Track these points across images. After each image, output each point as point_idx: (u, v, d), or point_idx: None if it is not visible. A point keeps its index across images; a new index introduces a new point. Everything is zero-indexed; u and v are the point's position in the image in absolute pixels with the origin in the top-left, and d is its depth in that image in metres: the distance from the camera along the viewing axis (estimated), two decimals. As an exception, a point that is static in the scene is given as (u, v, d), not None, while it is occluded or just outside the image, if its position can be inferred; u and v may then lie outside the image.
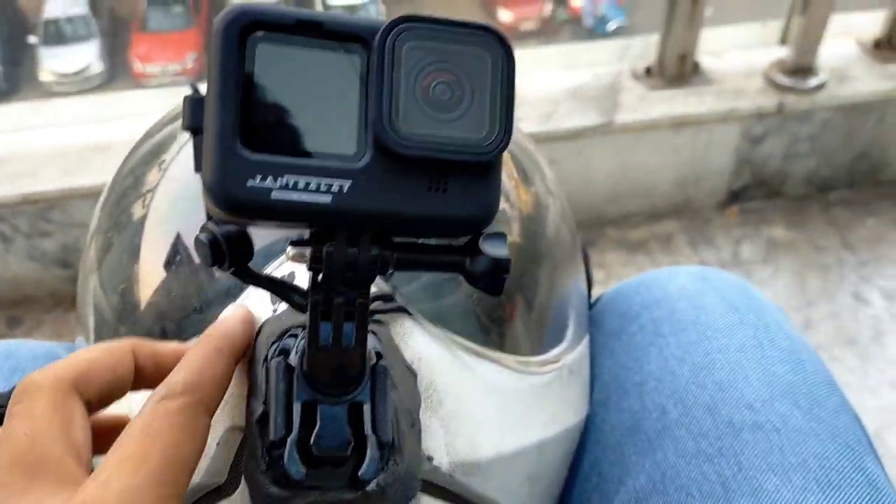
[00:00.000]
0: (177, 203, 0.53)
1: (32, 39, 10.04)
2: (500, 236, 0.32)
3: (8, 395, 0.50)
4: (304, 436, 0.33)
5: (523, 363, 0.50)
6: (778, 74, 1.96)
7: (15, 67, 9.94)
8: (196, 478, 0.37)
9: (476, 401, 0.44)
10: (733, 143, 2.00)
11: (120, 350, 0.35)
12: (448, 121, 0.28)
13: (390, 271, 0.31)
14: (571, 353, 0.57)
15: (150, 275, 0.51)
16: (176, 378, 0.32)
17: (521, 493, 0.48)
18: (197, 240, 0.32)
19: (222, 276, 0.46)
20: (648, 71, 1.97)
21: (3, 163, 1.79)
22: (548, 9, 10.49)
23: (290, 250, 0.31)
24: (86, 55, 9.98)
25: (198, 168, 0.28)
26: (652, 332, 0.60)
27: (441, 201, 0.29)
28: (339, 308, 0.32)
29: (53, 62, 9.85)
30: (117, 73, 9.99)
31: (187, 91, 0.29)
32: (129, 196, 0.56)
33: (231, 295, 0.44)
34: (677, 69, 1.94)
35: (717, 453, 0.49)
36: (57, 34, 10.06)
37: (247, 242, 0.32)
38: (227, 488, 0.38)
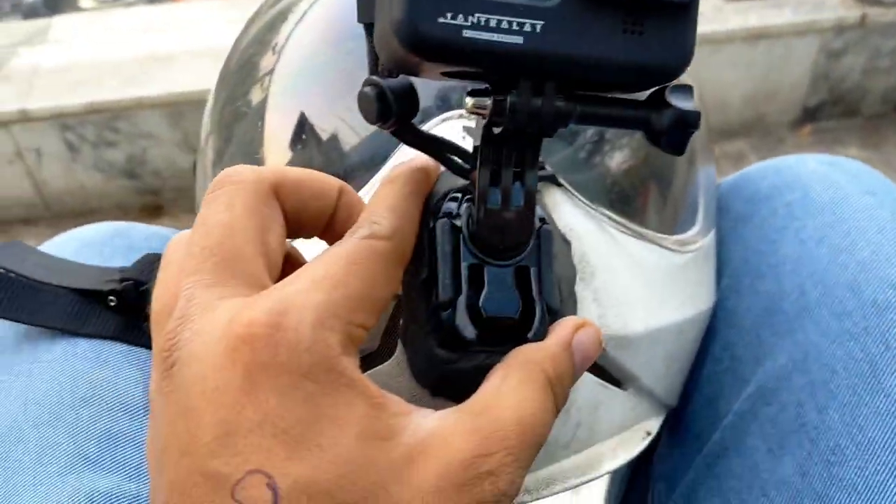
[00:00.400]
0: (297, 83, 0.51)
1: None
2: (687, 88, 0.30)
3: (136, 270, 0.50)
4: (472, 298, 0.32)
5: (666, 240, 0.49)
6: (862, -16, 1.87)
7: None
8: None
9: (625, 275, 0.43)
10: (810, 56, 1.93)
11: (328, 183, 0.33)
12: None
13: (568, 125, 0.29)
14: (706, 237, 0.56)
15: (278, 156, 0.49)
16: (383, 221, 0.30)
17: (658, 372, 0.47)
18: (362, 93, 0.30)
19: (365, 144, 0.45)
20: (725, -20, 1.90)
21: (64, 71, 1.79)
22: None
23: (469, 101, 0.29)
24: (126, -22, 10.00)
25: (362, 15, 0.27)
26: (785, 216, 0.58)
27: (636, 45, 0.27)
28: (508, 166, 0.31)
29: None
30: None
31: None
32: (245, 84, 0.54)
33: (364, 168, 0.43)
34: (756, -22, 1.87)
35: (862, 332, 0.48)
36: (96, -44, 10.07)
37: (413, 96, 0.30)
38: (379, 355, 0.37)
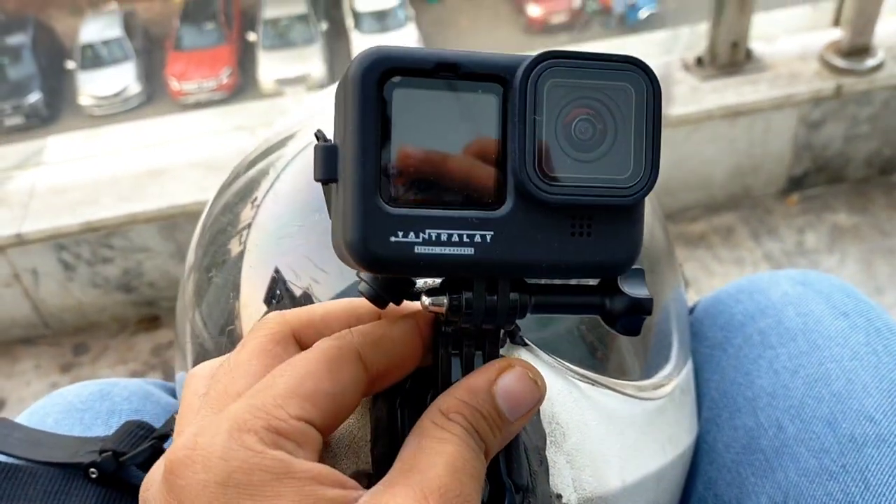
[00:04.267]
0: (273, 239, 0.52)
1: (70, 65, 10.28)
2: (639, 273, 0.31)
3: (115, 439, 0.50)
4: None
5: (637, 388, 0.48)
6: (834, 57, 1.91)
7: (55, 94, 10.17)
8: None
9: (598, 431, 0.42)
10: (791, 129, 1.96)
11: (355, 308, 0.34)
12: (591, 160, 0.27)
13: (525, 316, 0.30)
14: (682, 372, 0.55)
15: (251, 310, 0.50)
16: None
17: None
18: (360, 290, 0.31)
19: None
20: (699, 61, 1.93)
21: (59, 192, 1.82)
22: (577, 0, 10.46)
23: (426, 300, 0.30)
24: (123, 77, 10.18)
25: (318, 173, 0.27)
26: (759, 344, 0.58)
27: (585, 245, 0.28)
28: (469, 357, 0.31)
29: (92, 86, 10.06)
30: (155, 92, 10.16)
31: (312, 138, 0.28)
32: (226, 233, 0.55)
33: None
34: (729, 57, 1.90)
35: (841, 470, 0.47)
36: (94, 58, 10.27)
37: (406, 281, 0.31)
38: None
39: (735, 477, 0.52)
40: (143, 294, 1.89)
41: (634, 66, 0.27)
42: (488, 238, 0.27)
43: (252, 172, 0.59)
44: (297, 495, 0.26)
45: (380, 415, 0.35)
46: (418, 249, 0.26)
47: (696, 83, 1.91)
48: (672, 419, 0.51)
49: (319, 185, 0.29)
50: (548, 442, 0.39)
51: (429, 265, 0.27)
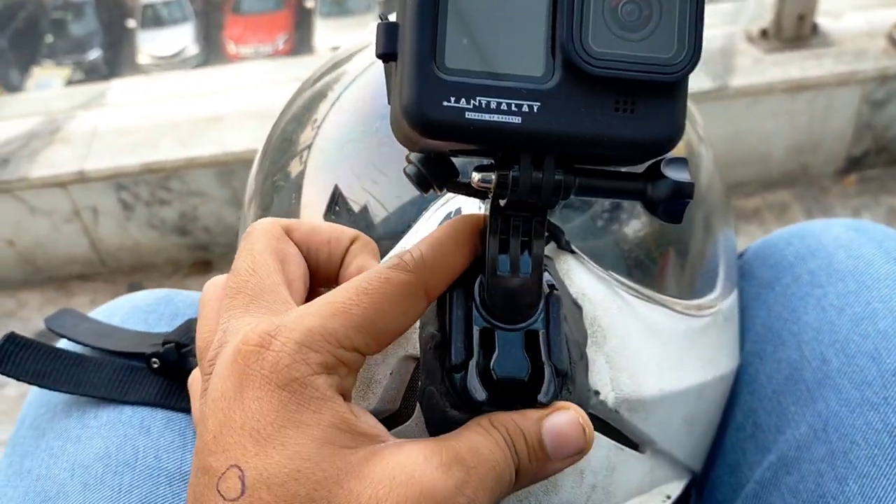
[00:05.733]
0: (332, 157, 0.54)
1: (131, 24, 10.45)
2: (682, 161, 0.31)
3: (177, 334, 0.52)
4: (483, 361, 0.34)
5: (683, 305, 0.49)
6: (903, 34, 1.86)
7: (114, 51, 10.35)
8: (369, 403, 0.38)
9: (638, 339, 0.43)
10: (853, 107, 1.92)
11: (339, 230, 0.37)
12: (636, 40, 0.28)
13: (569, 197, 0.31)
14: (725, 300, 0.56)
15: (313, 211, 0.52)
16: (410, 255, 0.33)
17: (677, 435, 0.48)
18: (405, 171, 0.33)
19: (381, 223, 0.48)
20: (764, 33, 1.90)
21: (120, 133, 1.86)
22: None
23: (475, 175, 0.31)
24: (182, 38, 10.33)
25: (389, 95, 0.29)
26: (808, 283, 0.58)
27: (628, 122, 0.28)
28: (516, 232, 0.32)
29: (151, 45, 10.22)
30: (211, 55, 10.28)
31: (375, 20, 0.29)
32: (286, 154, 0.57)
33: (390, 237, 0.45)
34: (795, 31, 1.87)
35: (882, 402, 0.48)
36: (154, 18, 10.43)
37: (446, 164, 0.33)
38: (400, 416, 0.39)
39: (776, 406, 0.53)
40: (197, 238, 1.93)
41: None
42: (535, 108, 0.28)
43: (319, 86, 0.60)
44: (333, 419, 0.29)
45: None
46: (469, 115, 0.27)
47: (759, 55, 1.88)
48: (714, 341, 0.52)
49: (383, 96, 0.30)
50: (589, 341, 0.40)
51: (477, 130, 0.28)
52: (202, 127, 1.84)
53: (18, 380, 0.49)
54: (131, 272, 1.95)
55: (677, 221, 0.32)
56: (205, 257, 1.96)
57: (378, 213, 0.48)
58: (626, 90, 0.28)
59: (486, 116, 0.27)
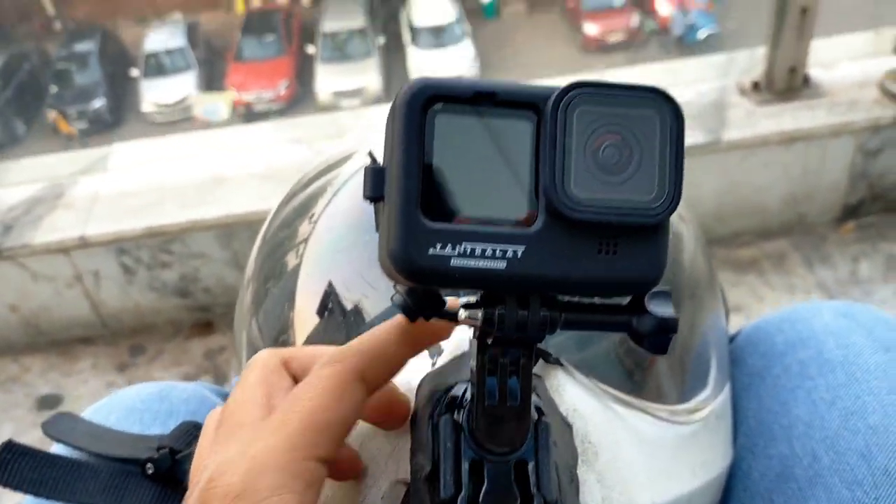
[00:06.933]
0: (328, 253, 0.55)
1: (134, 73, 10.56)
2: (666, 294, 0.32)
3: (172, 438, 0.53)
4: (472, 495, 0.34)
5: (671, 412, 0.49)
6: (894, 84, 1.88)
7: (118, 100, 10.44)
8: None
9: (629, 452, 0.43)
10: (847, 156, 1.93)
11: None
12: (617, 183, 0.28)
13: (555, 332, 0.32)
14: (718, 398, 0.56)
15: (306, 321, 0.52)
16: (338, 351, 0.34)
17: None
18: (392, 300, 0.33)
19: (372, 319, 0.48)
20: (756, 85, 1.92)
21: (121, 197, 1.88)
22: (635, 20, 10.38)
23: (462, 313, 0.32)
24: (185, 86, 10.41)
25: (367, 191, 0.29)
26: (798, 374, 0.59)
27: (611, 263, 0.29)
28: (504, 367, 0.32)
29: (154, 93, 10.31)
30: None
31: (365, 160, 0.30)
32: (284, 247, 0.58)
33: None
34: (786, 83, 1.89)
35: (872, 503, 0.48)
36: (157, 66, 10.53)
37: (436, 296, 0.33)
38: None
39: None
40: (198, 299, 1.94)
41: (658, 96, 0.29)
42: (519, 253, 0.28)
43: (310, 190, 0.61)
44: None
45: (420, 427, 0.37)
46: (454, 262, 0.28)
47: (751, 107, 1.89)
48: (705, 444, 0.52)
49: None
50: (579, 460, 0.40)
51: (463, 277, 0.28)
52: (203, 189, 1.86)
53: (16, 490, 0.49)
54: (133, 334, 1.96)
55: (662, 353, 0.32)
56: (206, 318, 1.96)
57: (369, 325, 0.49)
58: (608, 233, 0.29)
59: (472, 263, 0.28)
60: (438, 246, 0.28)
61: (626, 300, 0.32)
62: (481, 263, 0.28)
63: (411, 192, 0.28)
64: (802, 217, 2.03)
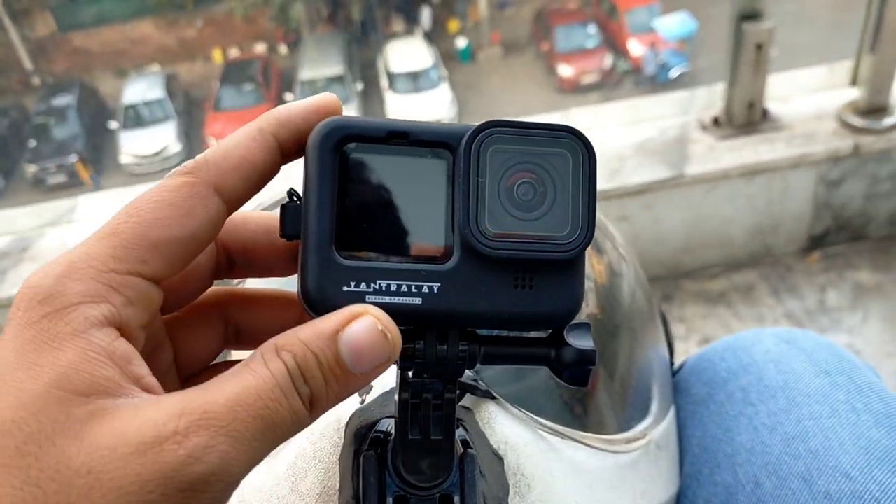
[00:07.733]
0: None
1: (113, 125, 10.57)
2: (585, 327, 0.32)
3: None
4: None
5: (608, 441, 0.49)
6: (851, 116, 1.92)
7: (97, 152, 10.44)
8: None
9: (564, 483, 0.43)
10: (809, 187, 1.96)
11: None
12: (532, 220, 0.29)
13: (475, 366, 0.32)
14: (658, 427, 0.56)
15: None
16: (195, 158, 0.30)
17: None
18: None
19: None
20: (716, 121, 1.95)
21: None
22: (608, 61, 10.55)
23: None
24: (164, 136, 10.44)
25: (283, 229, 0.29)
26: (741, 401, 0.59)
27: (527, 298, 0.29)
28: (426, 401, 0.33)
29: (133, 145, 10.33)
30: (194, 151, 10.37)
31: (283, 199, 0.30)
32: None
33: None
34: (746, 117, 1.92)
35: None
36: (136, 118, 10.56)
37: None
38: None
39: None
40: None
41: (570, 135, 0.29)
42: (435, 289, 0.29)
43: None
44: (74, 358, 0.26)
45: (346, 465, 0.37)
46: (369, 299, 0.28)
47: (712, 142, 1.92)
48: (646, 474, 0.52)
49: None
50: (511, 493, 0.40)
51: None
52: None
53: None
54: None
55: (583, 385, 0.32)
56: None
57: None
58: (523, 268, 0.29)
59: (387, 299, 0.28)
60: (352, 284, 0.28)
61: (546, 334, 0.32)
62: (397, 300, 0.28)
63: (325, 230, 0.28)
64: (769, 248, 2.05)
